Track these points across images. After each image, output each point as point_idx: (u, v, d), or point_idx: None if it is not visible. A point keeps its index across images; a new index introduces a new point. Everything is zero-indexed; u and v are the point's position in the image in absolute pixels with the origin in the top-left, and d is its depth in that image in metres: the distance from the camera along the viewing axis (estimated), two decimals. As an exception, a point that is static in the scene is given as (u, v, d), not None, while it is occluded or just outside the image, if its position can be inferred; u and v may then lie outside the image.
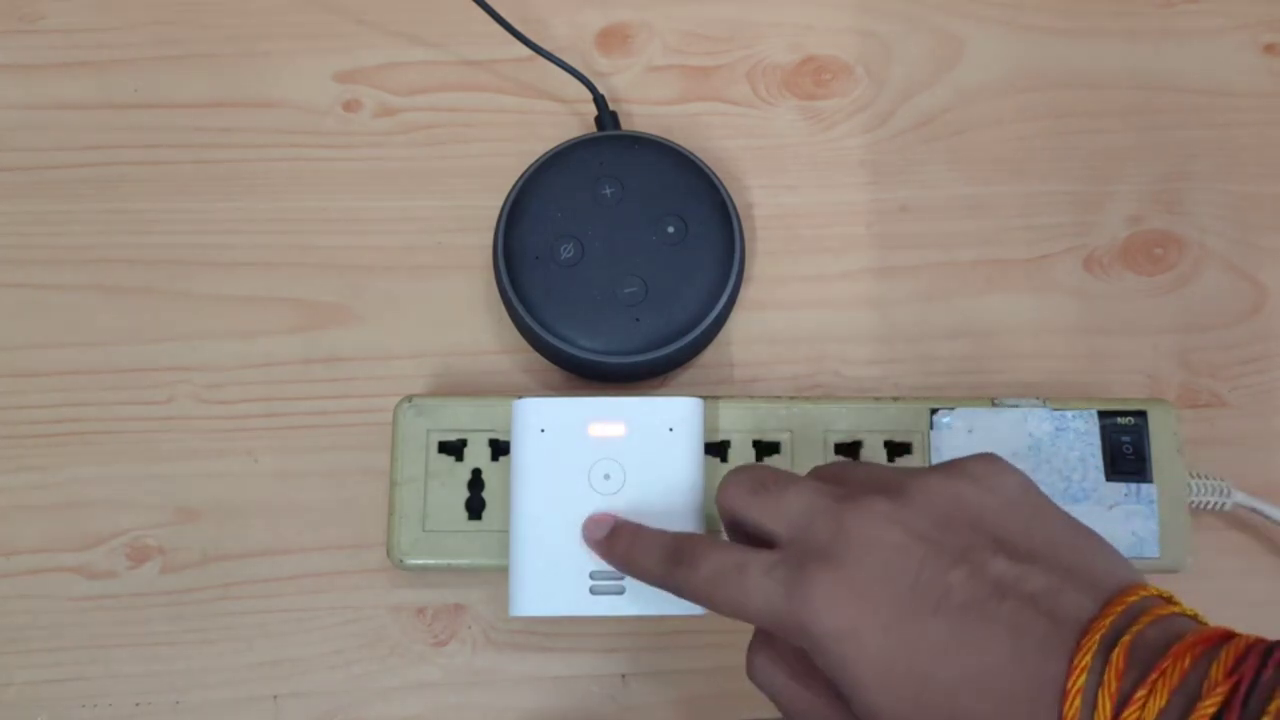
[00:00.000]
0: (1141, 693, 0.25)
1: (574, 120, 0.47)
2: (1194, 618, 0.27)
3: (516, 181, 0.43)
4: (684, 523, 0.38)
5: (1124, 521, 0.40)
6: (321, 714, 0.40)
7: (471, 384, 0.44)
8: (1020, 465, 0.40)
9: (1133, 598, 0.27)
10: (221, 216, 0.45)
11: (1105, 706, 0.25)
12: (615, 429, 0.38)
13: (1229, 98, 0.48)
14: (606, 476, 0.38)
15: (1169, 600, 0.27)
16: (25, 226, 0.45)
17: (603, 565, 0.37)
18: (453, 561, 0.40)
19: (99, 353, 0.44)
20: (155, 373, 0.43)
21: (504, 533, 0.39)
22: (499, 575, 0.39)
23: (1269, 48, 0.49)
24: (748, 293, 0.44)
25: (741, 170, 0.46)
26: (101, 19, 0.48)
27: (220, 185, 0.46)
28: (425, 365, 0.44)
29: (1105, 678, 0.25)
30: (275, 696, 0.41)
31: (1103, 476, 0.40)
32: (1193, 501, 0.40)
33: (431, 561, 0.40)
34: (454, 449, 0.41)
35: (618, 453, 0.38)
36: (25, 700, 0.40)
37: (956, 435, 0.41)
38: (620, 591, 0.37)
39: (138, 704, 0.40)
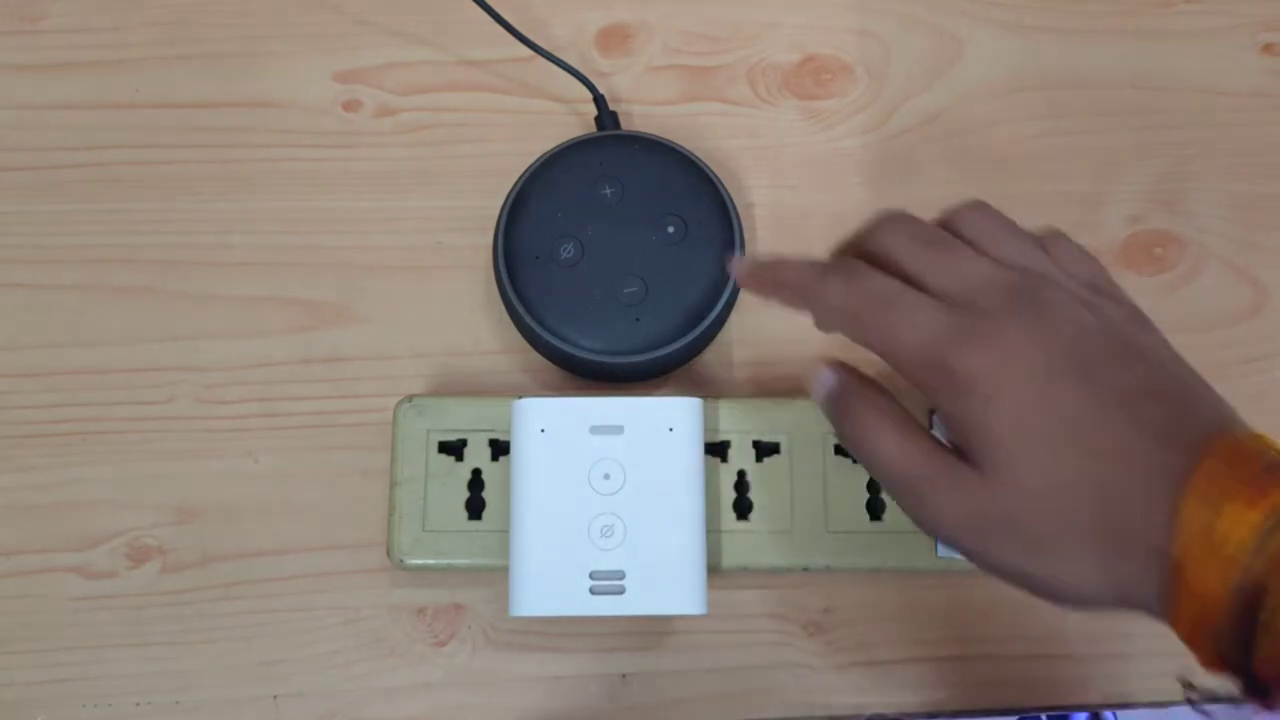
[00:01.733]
0: (1271, 495, 0.25)
1: (574, 120, 0.47)
2: None
3: (516, 181, 0.43)
4: (684, 523, 0.38)
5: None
6: (321, 714, 0.40)
7: (471, 384, 0.44)
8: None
9: (1257, 435, 0.27)
10: (221, 216, 0.45)
11: (1229, 495, 0.25)
12: (615, 429, 0.38)
13: (1229, 98, 0.48)
14: (606, 476, 0.38)
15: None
16: (25, 226, 0.45)
17: (603, 565, 0.37)
18: (453, 561, 0.40)
19: (99, 353, 0.44)
20: (155, 373, 0.43)
21: (504, 533, 0.39)
22: (499, 575, 0.39)
23: (1268, 47, 0.49)
24: (748, 293, 0.44)
25: (741, 170, 0.46)
26: (101, 19, 0.48)
27: (220, 185, 0.46)
28: (425, 365, 0.44)
29: (1232, 476, 0.25)
30: (275, 696, 0.41)
31: None
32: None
33: (431, 561, 0.40)
34: (454, 449, 0.41)
35: (618, 453, 0.38)
36: (25, 700, 0.40)
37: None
38: (620, 591, 0.37)
39: (138, 704, 0.40)
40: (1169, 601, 0.26)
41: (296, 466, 0.43)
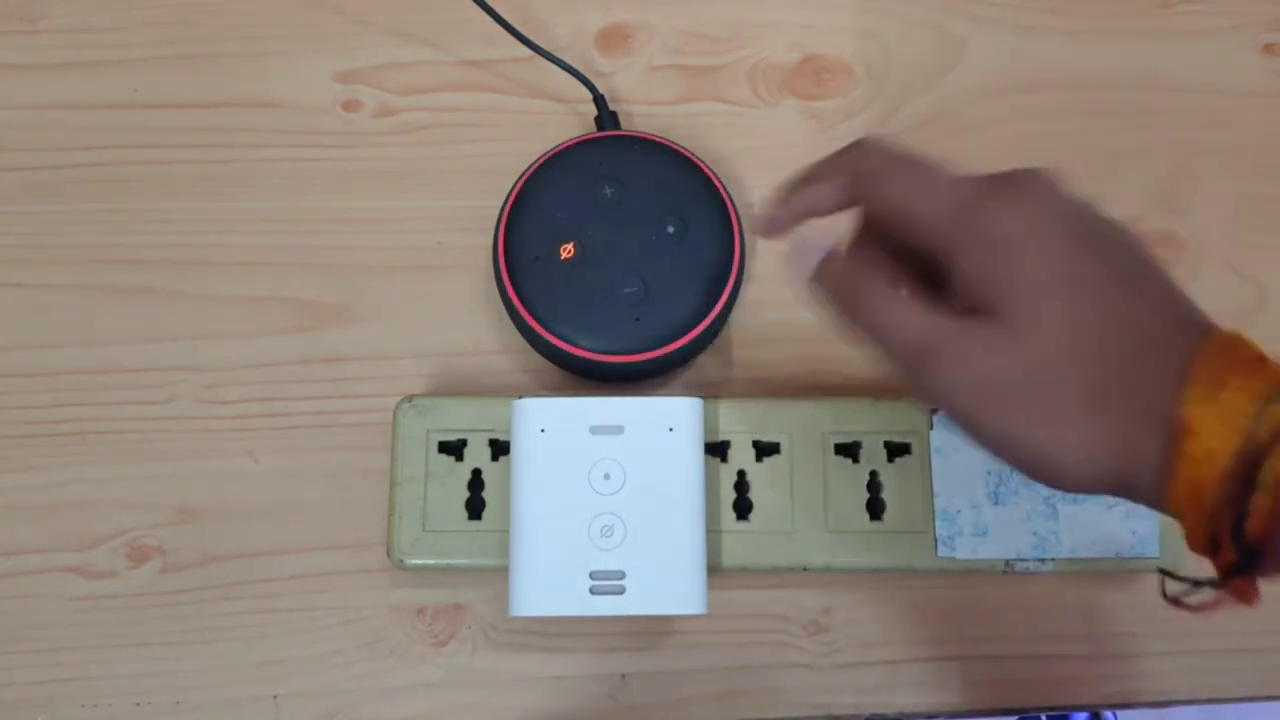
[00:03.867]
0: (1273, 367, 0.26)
1: (574, 120, 0.47)
2: None
3: (516, 181, 0.43)
4: (684, 523, 0.38)
5: (1124, 521, 0.40)
6: (321, 714, 0.40)
7: (471, 384, 0.44)
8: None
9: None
10: (221, 216, 0.45)
11: (1233, 369, 0.26)
12: (615, 429, 0.38)
13: (1229, 98, 0.48)
14: (606, 476, 0.38)
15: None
16: (25, 226, 0.45)
17: (603, 565, 0.37)
18: (453, 561, 0.40)
19: (99, 353, 0.44)
20: (155, 373, 0.43)
21: (504, 533, 0.39)
22: (499, 575, 0.39)
23: (1268, 48, 0.49)
24: (748, 293, 0.44)
25: (741, 170, 0.46)
26: (101, 19, 0.48)
27: (220, 185, 0.46)
28: (425, 365, 0.44)
29: (1236, 353, 0.27)
30: (275, 696, 0.41)
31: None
32: (1193, 501, 0.40)
33: (431, 561, 0.40)
34: (454, 449, 0.41)
35: (618, 453, 0.38)
36: (25, 700, 0.40)
37: (956, 435, 0.41)
38: (620, 591, 0.37)
39: (138, 704, 0.40)
40: (1169, 468, 0.27)
41: (296, 466, 0.43)
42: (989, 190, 0.30)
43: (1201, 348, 0.27)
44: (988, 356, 0.29)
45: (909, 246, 0.32)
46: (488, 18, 0.45)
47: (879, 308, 0.31)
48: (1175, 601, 0.28)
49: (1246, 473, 0.25)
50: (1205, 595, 0.28)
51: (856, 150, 0.33)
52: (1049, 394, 0.28)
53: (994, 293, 0.29)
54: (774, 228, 0.34)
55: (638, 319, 0.41)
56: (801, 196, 0.34)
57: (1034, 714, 0.71)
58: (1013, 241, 0.29)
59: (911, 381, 0.30)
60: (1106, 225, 0.31)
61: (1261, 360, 0.27)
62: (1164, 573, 0.30)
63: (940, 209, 0.30)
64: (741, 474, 0.41)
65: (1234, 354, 0.27)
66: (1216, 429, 0.26)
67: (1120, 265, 0.30)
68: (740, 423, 0.41)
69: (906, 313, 0.30)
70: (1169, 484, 0.27)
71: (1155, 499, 0.28)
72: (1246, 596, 0.27)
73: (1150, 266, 0.30)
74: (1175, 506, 0.27)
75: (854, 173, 0.33)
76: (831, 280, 0.33)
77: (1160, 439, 0.27)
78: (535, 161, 0.44)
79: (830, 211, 0.33)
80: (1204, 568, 0.28)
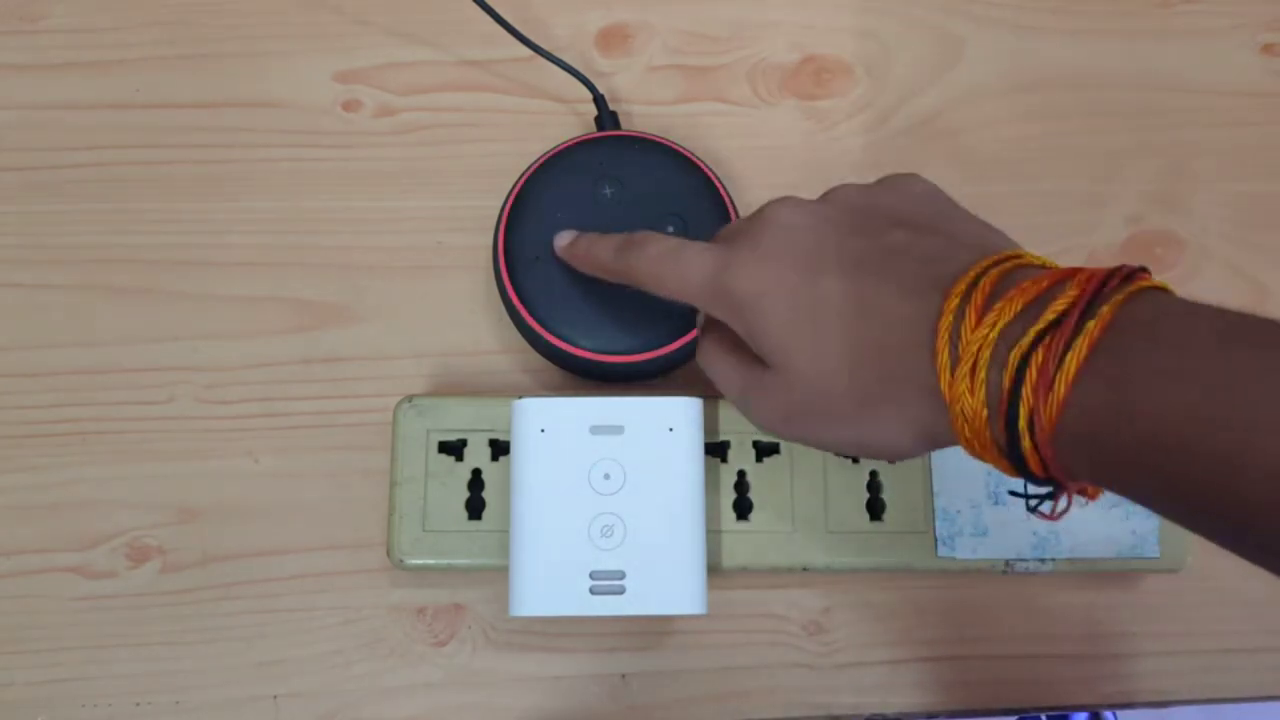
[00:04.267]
0: (996, 307, 0.27)
1: (574, 120, 0.47)
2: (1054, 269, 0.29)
3: (516, 181, 0.43)
4: (684, 523, 0.38)
5: (1124, 521, 0.40)
6: (321, 714, 0.40)
7: (471, 384, 0.44)
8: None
9: (1008, 256, 0.29)
10: (221, 216, 0.45)
11: (969, 324, 0.27)
12: (615, 429, 0.38)
13: (1229, 98, 0.48)
14: (606, 476, 0.38)
15: (1043, 264, 0.29)
16: (25, 226, 0.45)
17: (603, 565, 0.37)
18: (453, 561, 0.40)
19: (99, 353, 0.44)
20: (155, 373, 0.43)
21: (504, 533, 0.39)
22: (499, 575, 0.39)
23: (1268, 48, 0.49)
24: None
25: (741, 170, 0.46)
26: (102, 19, 0.48)
27: (220, 185, 0.46)
28: (425, 365, 0.44)
29: (970, 305, 0.28)
30: (275, 696, 0.41)
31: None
32: (1193, 501, 0.40)
33: (431, 561, 0.40)
34: (454, 449, 0.41)
35: (618, 453, 0.38)
36: (25, 700, 0.40)
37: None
38: (620, 591, 0.37)
39: (138, 704, 0.40)
40: (955, 432, 0.28)
41: (296, 466, 0.43)
42: (730, 256, 0.33)
43: (945, 306, 0.28)
44: (774, 397, 0.33)
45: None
46: (488, 18, 0.45)
47: (710, 365, 0.36)
48: (1036, 510, 0.30)
49: (1010, 422, 0.27)
50: (1046, 503, 0.30)
51: (624, 247, 0.37)
52: (833, 409, 0.31)
53: (759, 350, 0.32)
54: (562, 253, 0.41)
55: (638, 319, 0.41)
56: (591, 246, 0.39)
57: (1034, 714, 0.71)
58: (754, 304, 0.32)
59: (746, 416, 0.35)
60: (848, 222, 0.32)
61: (993, 297, 0.28)
62: (1014, 494, 0.37)
63: (701, 289, 0.33)
64: (741, 474, 0.41)
65: (973, 300, 0.28)
66: (968, 390, 0.27)
67: (860, 261, 0.31)
68: (740, 423, 0.41)
69: (724, 367, 0.35)
70: (964, 445, 0.29)
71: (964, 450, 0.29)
72: (1088, 493, 0.29)
73: (906, 238, 0.31)
74: (976, 456, 0.29)
75: (630, 274, 0.36)
76: (702, 350, 0.37)
77: (941, 409, 0.28)
78: (535, 161, 0.44)
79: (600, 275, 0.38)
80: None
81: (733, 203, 0.43)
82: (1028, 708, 0.42)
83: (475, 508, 0.40)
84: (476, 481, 0.40)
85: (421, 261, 0.45)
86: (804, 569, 0.40)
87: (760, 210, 0.34)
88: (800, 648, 0.41)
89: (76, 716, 0.40)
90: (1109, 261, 0.45)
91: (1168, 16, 0.49)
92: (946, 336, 0.28)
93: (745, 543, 0.40)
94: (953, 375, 0.28)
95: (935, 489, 0.40)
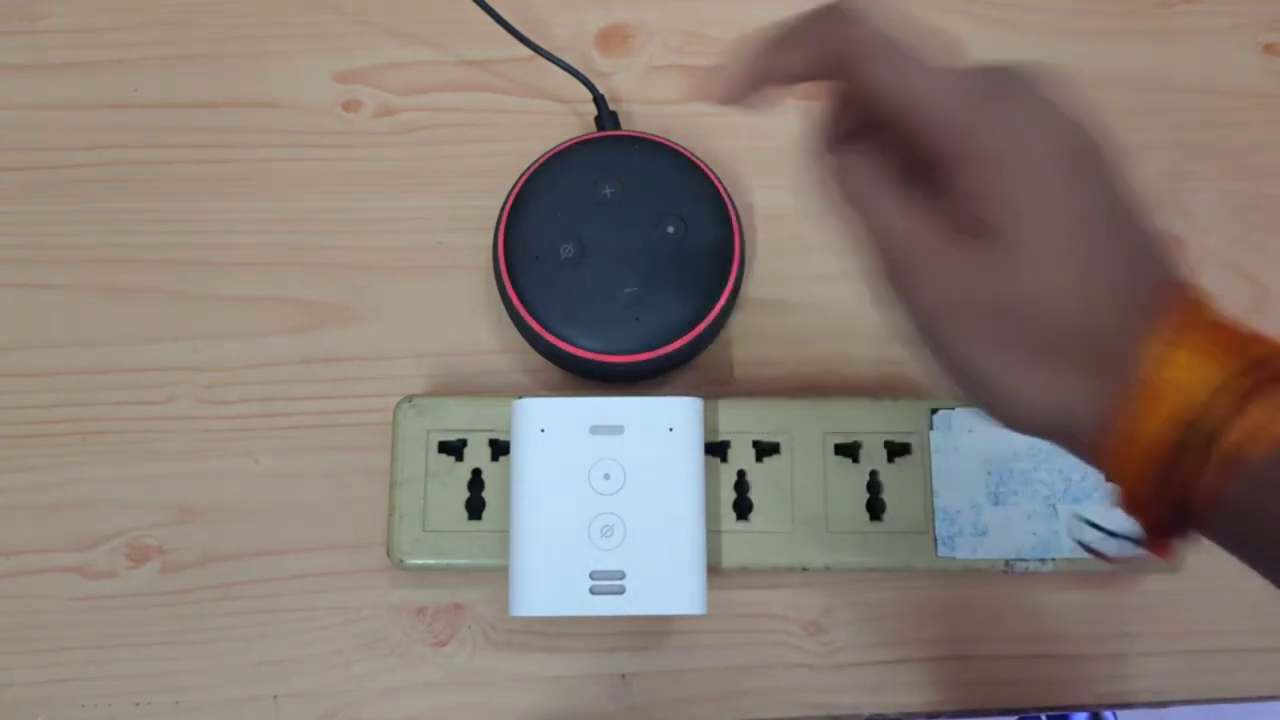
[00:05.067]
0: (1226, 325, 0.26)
1: (574, 120, 0.47)
2: None
3: (516, 181, 0.43)
4: (684, 523, 0.38)
5: (1125, 520, 0.40)
6: (321, 714, 0.40)
7: (471, 384, 0.44)
8: (1020, 464, 0.40)
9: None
10: (222, 216, 0.45)
11: (1196, 329, 0.26)
12: (615, 429, 0.38)
13: (1229, 98, 0.48)
14: (606, 476, 0.38)
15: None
16: (25, 226, 0.45)
17: (603, 565, 0.37)
18: (453, 561, 0.40)
19: (99, 353, 0.44)
20: (155, 373, 0.43)
21: (504, 533, 0.39)
22: (499, 575, 0.39)
23: (1268, 48, 0.49)
24: (748, 292, 0.44)
25: (741, 170, 0.46)
26: (101, 19, 0.48)
27: (220, 185, 0.46)
28: (425, 365, 0.44)
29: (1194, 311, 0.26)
30: (275, 696, 0.41)
31: (1104, 475, 0.40)
32: (1193, 501, 0.40)
33: (431, 561, 0.40)
34: (454, 449, 0.41)
35: (618, 453, 0.38)
36: (25, 700, 0.40)
37: (956, 435, 0.41)
38: (620, 591, 0.37)
39: (138, 704, 0.40)
40: (1115, 422, 0.26)
41: (297, 466, 0.43)
42: (992, 90, 0.27)
43: (1174, 305, 0.26)
44: (968, 279, 0.27)
45: (886, 132, 0.29)
46: (488, 18, 0.45)
47: (872, 200, 0.29)
48: (1090, 549, 0.28)
49: (1194, 440, 0.25)
50: (1122, 547, 0.27)
51: (835, 13, 0.29)
52: (1030, 329, 0.26)
53: (995, 214, 0.26)
54: (730, 92, 0.31)
55: (637, 319, 0.41)
56: (767, 58, 0.30)
57: (1034, 714, 0.71)
58: (1021, 158, 0.26)
59: (888, 283, 0.28)
60: (1104, 146, 0.28)
61: (1219, 326, 0.26)
62: (1081, 519, 0.31)
63: (940, 104, 0.27)
64: (741, 474, 0.41)
65: (1200, 315, 0.26)
66: (1170, 391, 0.25)
67: (1115, 195, 0.27)
68: (740, 423, 0.41)
69: (903, 212, 0.28)
70: (1111, 436, 0.26)
71: (1091, 449, 0.27)
72: (1167, 554, 0.27)
73: (1136, 197, 0.28)
74: (1112, 460, 0.26)
75: (836, 39, 0.29)
76: (846, 181, 0.30)
77: (1113, 394, 0.26)
78: (535, 161, 0.44)
79: (797, 80, 0.30)
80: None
81: (733, 203, 0.43)
82: (1027, 708, 0.42)
83: (475, 508, 0.40)
84: (476, 481, 0.40)
85: (421, 261, 0.45)
86: (804, 569, 0.40)
87: (1021, 69, 0.28)
88: (800, 648, 0.41)
89: (76, 716, 0.40)
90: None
91: (1168, 16, 0.49)
92: (1169, 330, 0.26)
93: (745, 543, 0.40)
94: (1160, 372, 0.25)
95: (935, 489, 0.40)
